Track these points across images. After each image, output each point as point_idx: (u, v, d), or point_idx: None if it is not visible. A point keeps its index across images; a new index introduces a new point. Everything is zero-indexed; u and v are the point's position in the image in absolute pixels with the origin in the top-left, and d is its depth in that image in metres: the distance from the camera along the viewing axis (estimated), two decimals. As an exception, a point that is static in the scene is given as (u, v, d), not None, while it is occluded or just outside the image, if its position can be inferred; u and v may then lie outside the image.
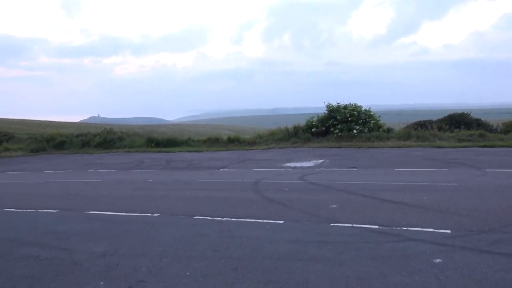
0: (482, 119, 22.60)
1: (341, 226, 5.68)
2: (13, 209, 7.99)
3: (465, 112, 22.88)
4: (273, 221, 6.06)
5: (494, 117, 33.40)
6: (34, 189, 11.24)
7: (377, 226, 5.55)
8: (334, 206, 7.00)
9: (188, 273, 3.94)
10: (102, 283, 3.78)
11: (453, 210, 6.29)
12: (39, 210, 7.77)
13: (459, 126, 20.33)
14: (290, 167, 13.15)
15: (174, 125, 77.48)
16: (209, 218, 6.45)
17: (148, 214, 6.94)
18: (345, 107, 21.57)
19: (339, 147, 18.46)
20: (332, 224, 5.77)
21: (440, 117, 24.12)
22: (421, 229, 5.31)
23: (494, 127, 20.55)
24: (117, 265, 4.29)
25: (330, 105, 21.93)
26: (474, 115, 23.20)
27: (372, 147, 18.00)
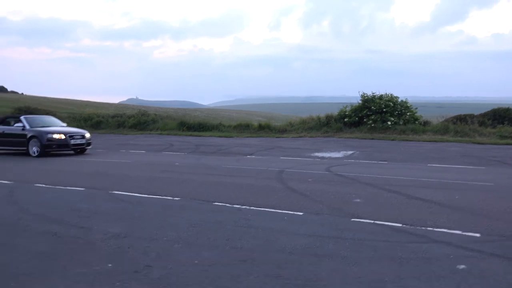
0: (530, 115, 21.16)
1: (363, 222, 5.44)
2: (42, 185, 8.29)
3: (511, 107, 21.51)
4: (292, 212, 5.92)
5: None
6: (66, 166, 11.64)
7: (400, 225, 5.27)
8: (358, 200, 6.75)
9: (196, 261, 3.88)
10: (110, 265, 3.79)
11: (485, 212, 5.88)
12: (67, 187, 8.00)
13: (503, 121, 19.17)
14: (318, 157, 12.89)
15: (208, 110, 78.39)
16: (228, 205, 6.39)
17: (170, 198, 6.98)
18: (381, 97, 20.86)
19: (372, 139, 17.93)
20: (353, 219, 5.55)
21: (484, 111, 22.82)
22: (448, 231, 4.98)
23: (543, 124, 19.21)
24: (129, 247, 4.30)
25: (365, 95, 21.27)
26: (521, 111, 21.76)
27: (406, 140, 17.36)
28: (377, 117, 19.98)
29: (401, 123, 19.70)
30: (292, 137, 19.58)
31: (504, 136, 16.75)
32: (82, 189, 7.83)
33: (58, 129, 14.74)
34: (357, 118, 20.71)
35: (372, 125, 19.71)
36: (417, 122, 20.16)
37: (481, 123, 19.10)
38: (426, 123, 20.24)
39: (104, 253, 4.13)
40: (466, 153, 13.52)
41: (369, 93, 21.19)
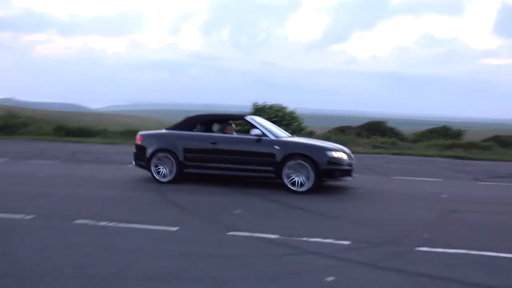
0: (397, 128, 23.91)
1: (240, 235, 5.18)
2: None
3: (382, 121, 24.06)
4: (166, 228, 5.38)
5: (409, 127, 35.80)
6: None
7: (277, 236, 5.13)
8: (238, 211, 6.52)
9: (26, 300, 3.13)
10: None
11: (355, 219, 6.14)
12: None
13: (376, 133, 21.24)
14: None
15: (96, 114, 72.69)
16: (92, 222, 5.57)
17: (21, 216, 5.84)
18: (271, 107, 21.49)
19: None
20: (230, 233, 5.25)
21: (361, 124, 25.09)
22: (321, 240, 4.99)
23: (405, 136, 21.79)
24: None
25: (256, 104, 21.71)
26: (390, 124, 24.44)
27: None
28: (267, 126, 20.51)
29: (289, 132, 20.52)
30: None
31: (376, 146, 18.52)
32: None
33: (331, 145, 8.60)
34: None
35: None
36: (303, 132, 21.21)
37: (358, 134, 20.92)
38: (311, 133, 21.41)
39: None
40: (344, 161, 14.50)
41: (260, 102, 21.69)
